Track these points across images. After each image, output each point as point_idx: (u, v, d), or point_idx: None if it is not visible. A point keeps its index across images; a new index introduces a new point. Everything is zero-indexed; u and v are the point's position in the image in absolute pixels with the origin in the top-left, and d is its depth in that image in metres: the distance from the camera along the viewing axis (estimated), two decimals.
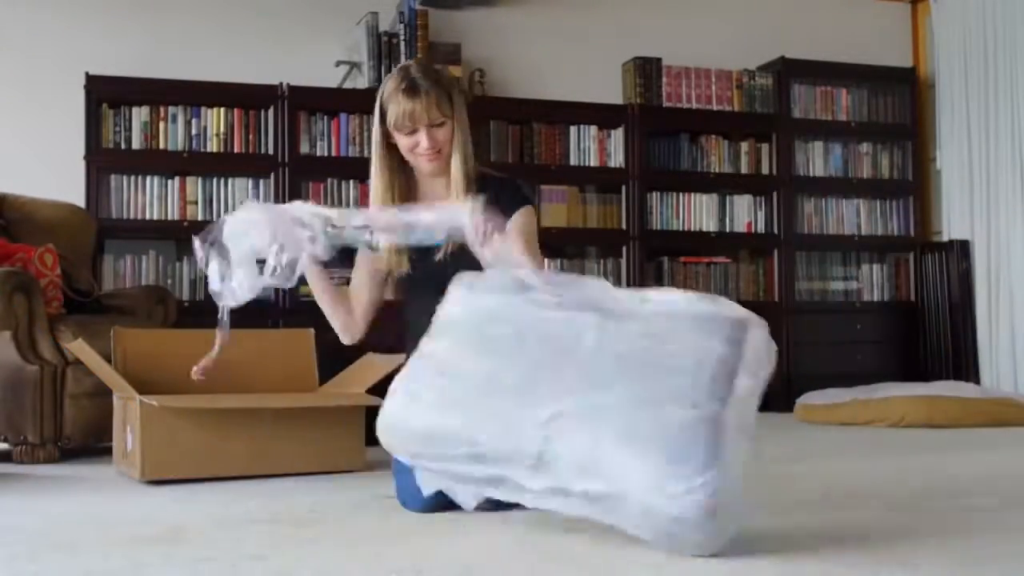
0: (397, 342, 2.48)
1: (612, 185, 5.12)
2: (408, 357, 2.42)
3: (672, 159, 5.25)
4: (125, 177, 4.52)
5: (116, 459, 2.96)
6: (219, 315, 2.19)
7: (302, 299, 4.55)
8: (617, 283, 5.03)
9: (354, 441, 2.93)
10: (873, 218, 5.58)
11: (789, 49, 5.46)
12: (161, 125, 4.57)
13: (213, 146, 4.62)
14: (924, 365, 5.41)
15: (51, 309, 3.49)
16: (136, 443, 2.72)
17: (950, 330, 5.35)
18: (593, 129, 5.12)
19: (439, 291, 2.13)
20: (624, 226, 5.08)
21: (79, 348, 2.93)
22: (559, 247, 4.99)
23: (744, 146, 5.36)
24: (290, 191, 4.62)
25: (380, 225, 2.23)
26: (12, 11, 4.63)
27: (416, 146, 2.36)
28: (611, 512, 1.70)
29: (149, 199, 4.54)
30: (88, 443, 3.34)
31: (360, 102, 4.80)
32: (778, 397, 5.15)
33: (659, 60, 5.27)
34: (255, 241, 2.13)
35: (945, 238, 5.53)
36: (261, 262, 2.14)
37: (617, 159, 5.12)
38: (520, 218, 2.37)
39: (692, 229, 5.23)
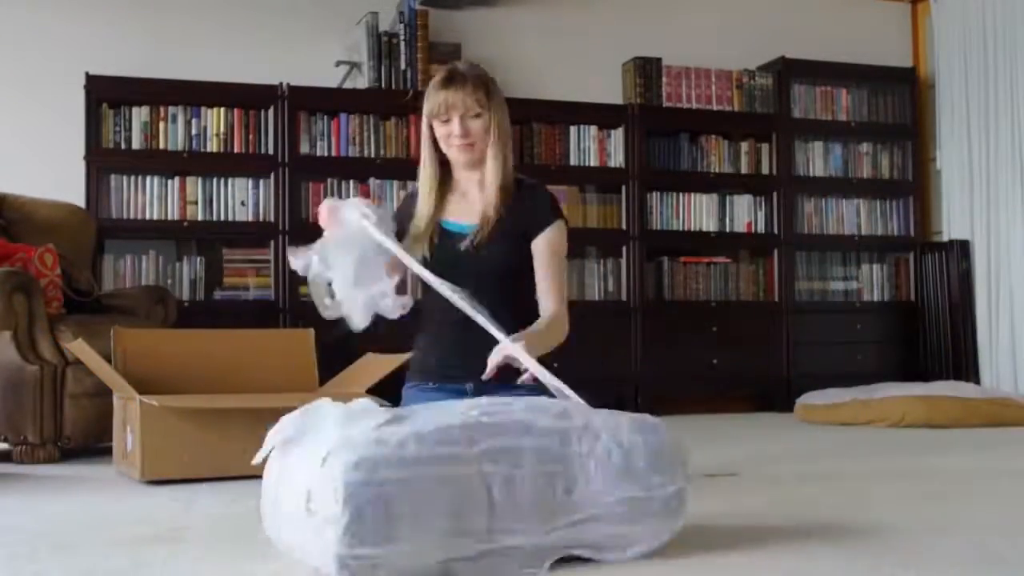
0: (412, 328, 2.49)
1: (612, 185, 5.12)
2: (422, 341, 2.48)
3: (672, 159, 5.25)
4: (125, 177, 4.52)
5: (116, 459, 2.96)
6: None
7: (302, 299, 4.56)
8: (617, 283, 5.05)
9: None
10: (873, 218, 5.58)
11: (789, 49, 5.46)
12: (161, 125, 4.57)
13: (213, 146, 4.62)
14: (924, 365, 5.41)
15: (51, 309, 3.49)
16: (136, 443, 2.72)
17: (950, 330, 5.35)
18: (593, 129, 5.12)
19: (460, 279, 2.18)
20: (624, 226, 5.08)
21: (79, 348, 2.93)
22: None
23: (744, 146, 5.36)
24: (290, 191, 4.62)
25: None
26: (12, 11, 4.63)
27: (450, 135, 2.42)
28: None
29: (149, 199, 4.54)
30: (88, 443, 3.34)
31: (360, 102, 4.81)
32: (778, 397, 5.17)
33: (659, 60, 5.27)
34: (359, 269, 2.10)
35: (945, 238, 5.53)
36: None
37: (617, 159, 5.12)
38: (552, 234, 2.45)
39: (692, 229, 5.23)
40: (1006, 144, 5.22)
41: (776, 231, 5.33)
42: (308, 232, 5.00)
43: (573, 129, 5.09)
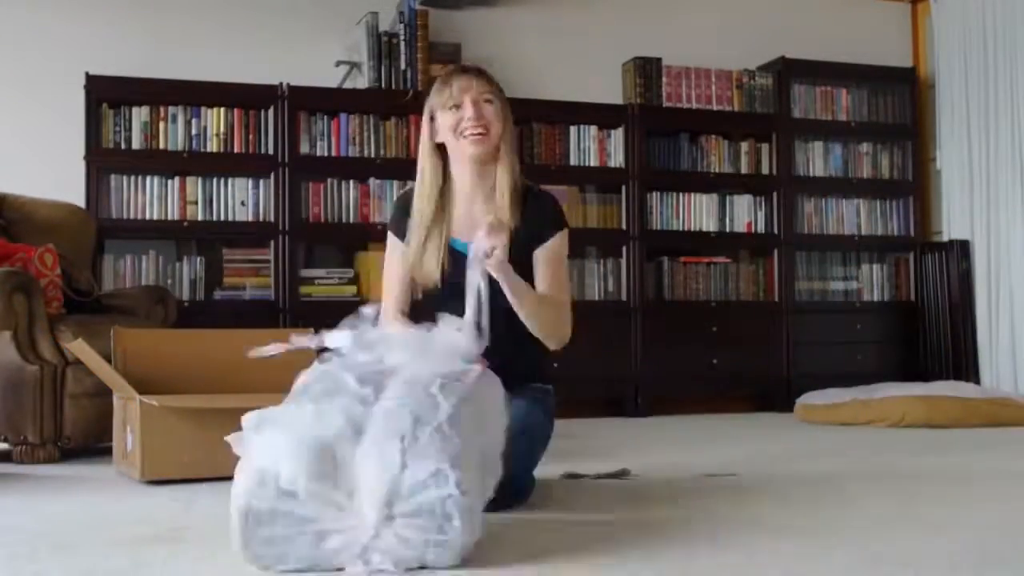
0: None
1: (612, 185, 5.12)
2: None
3: (672, 159, 5.25)
4: (125, 177, 4.52)
5: (116, 459, 2.96)
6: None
7: (303, 299, 4.56)
8: (617, 283, 5.05)
9: None
10: (873, 218, 5.58)
11: (789, 49, 5.46)
12: (161, 125, 4.57)
13: (213, 146, 4.62)
14: (924, 365, 5.41)
15: (51, 309, 3.49)
16: (136, 443, 2.72)
17: (950, 330, 5.35)
18: (593, 129, 5.12)
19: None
20: (624, 226, 5.08)
21: (79, 348, 2.93)
22: None
23: (744, 146, 5.36)
24: (290, 191, 4.62)
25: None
26: (12, 11, 4.63)
27: (461, 121, 2.29)
28: None
29: (149, 199, 4.54)
30: (88, 443, 3.34)
31: (360, 102, 4.81)
32: (778, 397, 5.17)
33: (659, 60, 5.27)
34: None
35: (945, 238, 5.53)
36: None
37: (617, 159, 5.13)
38: (555, 243, 2.37)
39: (692, 229, 5.23)
40: (1006, 144, 5.22)
41: (776, 231, 5.33)
42: (308, 232, 5.02)
43: (573, 129, 5.09)
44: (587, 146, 5.11)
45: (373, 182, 4.76)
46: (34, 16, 4.66)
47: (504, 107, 2.36)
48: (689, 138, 5.29)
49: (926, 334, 5.44)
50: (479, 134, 2.29)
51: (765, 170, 5.37)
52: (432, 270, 2.35)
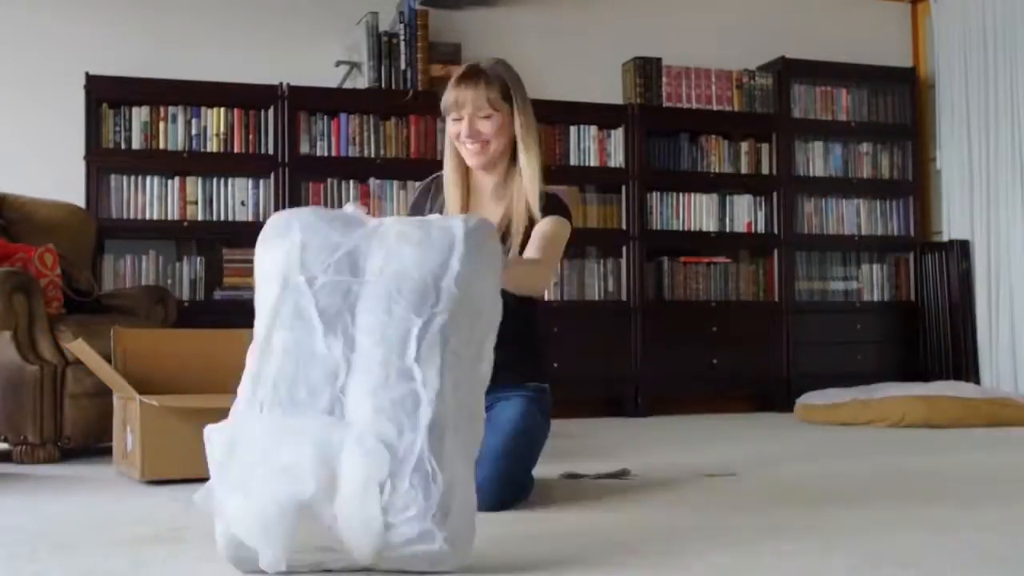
0: None
1: (612, 185, 5.13)
2: None
3: (672, 159, 5.25)
4: (125, 177, 4.52)
5: (116, 459, 2.96)
6: None
7: None
8: (617, 283, 5.05)
9: None
10: (873, 218, 5.58)
11: (789, 49, 5.46)
12: (161, 125, 4.57)
13: (213, 146, 4.62)
14: (924, 365, 5.41)
15: (51, 309, 3.49)
16: (136, 443, 2.72)
17: (950, 330, 5.35)
18: (593, 129, 5.12)
19: None
20: (624, 226, 5.08)
21: (79, 348, 2.93)
22: None
23: (744, 146, 5.36)
24: (290, 191, 4.62)
25: None
26: (12, 11, 4.64)
27: (459, 134, 2.38)
28: None
29: (149, 199, 4.54)
30: (88, 443, 3.34)
31: (360, 102, 4.81)
32: (778, 397, 5.17)
33: (659, 60, 5.27)
34: None
35: (945, 238, 5.53)
36: None
37: (617, 159, 5.13)
38: (550, 222, 2.36)
39: (692, 229, 5.23)
40: (1006, 144, 5.22)
41: (776, 231, 5.33)
42: None
43: (573, 129, 5.09)
44: (587, 146, 5.11)
45: (373, 182, 4.76)
46: (34, 16, 4.66)
47: (518, 112, 2.39)
48: (689, 138, 5.29)
49: (926, 334, 5.44)
50: (476, 149, 2.37)
51: (765, 170, 5.37)
52: None
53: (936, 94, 5.67)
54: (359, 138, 4.77)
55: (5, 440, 3.31)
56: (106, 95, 4.49)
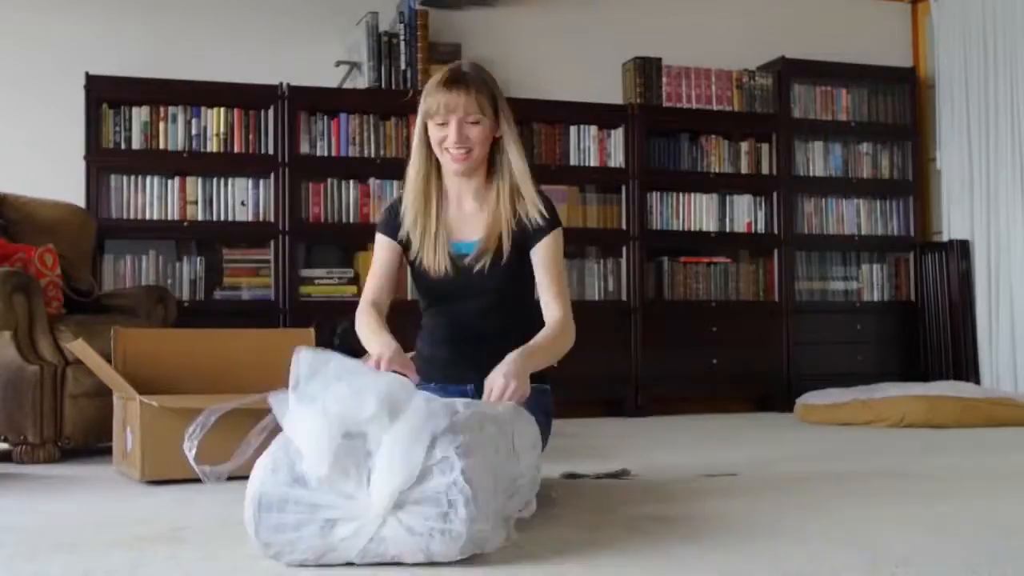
0: (409, 342, 2.48)
1: (612, 185, 5.12)
2: (425, 343, 2.50)
3: (672, 159, 5.25)
4: (125, 177, 4.52)
5: (116, 459, 2.96)
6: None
7: (302, 299, 4.56)
8: (617, 283, 5.05)
9: None
10: (873, 218, 5.58)
11: (789, 49, 5.46)
12: (161, 125, 4.57)
13: (213, 146, 4.62)
14: (924, 365, 5.41)
15: (51, 309, 3.49)
16: (136, 443, 2.72)
17: (950, 330, 5.35)
18: (593, 129, 5.12)
19: (473, 298, 2.25)
20: (624, 226, 5.08)
21: (79, 348, 2.93)
22: None
23: (744, 146, 5.36)
24: (290, 191, 4.62)
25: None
26: (12, 11, 4.63)
27: (444, 140, 2.33)
28: None
29: (149, 199, 4.54)
30: (88, 443, 3.34)
31: (360, 102, 4.81)
32: (778, 397, 5.17)
33: (659, 60, 5.27)
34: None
35: (945, 238, 5.53)
36: None
37: (617, 159, 5.13)
38: (551, 242, 2.39)
39: (692, 229, 5.23)
40: (1006, 144, 5.22)
41: (776, 231, 5.33)
42: (308, 232, 5.01)
43: (573, 129, 5.09)
44: (587, 146, 5.11)
45: (373, 182, 4.76)
46: (34, 16, 4.66)
47: (502, 118, 2.36)
48: (689, 138, 5.29)
49: (926, 334, 5.44)
50: (461, 155, 2.33)
51: (765, 170, 5.37)
52: (432, 266, 2.38)
53: (936, 94, 5.67)
54: (359, 138, 4.77)
55: (5, 440, 3.31)
56: (106, 95, 4.49)
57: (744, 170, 5.35)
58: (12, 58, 4.61)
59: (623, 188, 5.10)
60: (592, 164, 5.11)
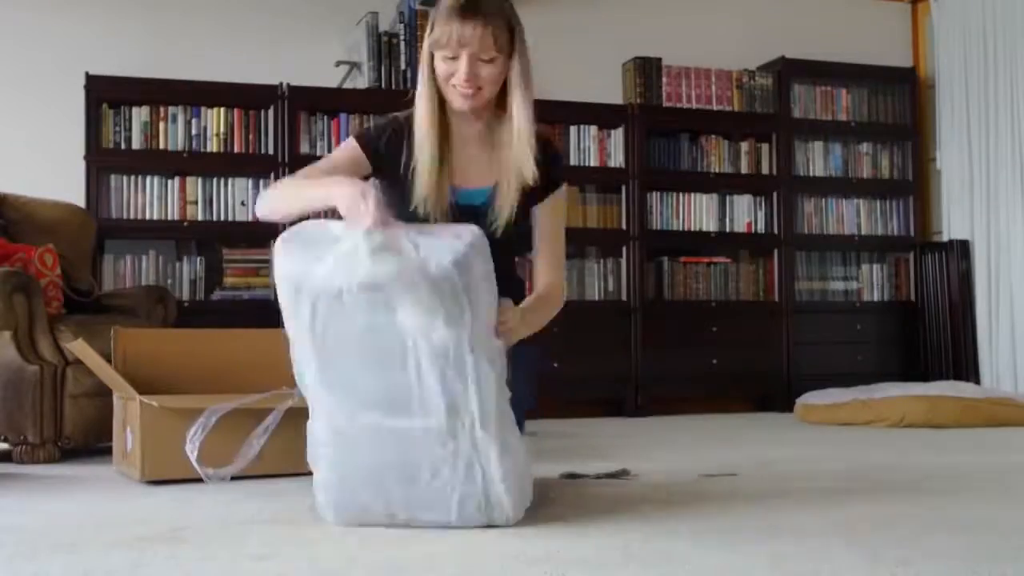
0: None
1: (612, 185, 5.13)
2: None
3: (672, 159, 5.25)
4: (125, 177, 4.52)
5: (116, 459, 2.96)
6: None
7: None
8: (617, 283, 5.05)
9: None
10: (873, 218, 5.58)
11: (789, 49, 5.46)
12: (161, 125, 4.57)
13: (213, 146, 4.62)
14: (924, 365, 5.41)
15: (51, 309, 3.49)
16: (136, 443, 2.72)
17: (950, 330, 5.35)
18: (593, 129, 5.12)
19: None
20: (624, 226, 5.08)
21: (79, 348, 2.93)
22: None
23: (744, 146, 5.36)
24: None
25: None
26: (12, 11, 4.64)
27: (452, 76, 2.11)
28: None
29: (149, 199, 4.54)
30: (88, 443, 3.34)
31: (360, 102, 4.81)
32: (778, 397, 5.17)
33: (659, 60, 5.27)
34: None
35: (945, 238, 5.53)
36: None
37: (617, 159, 5.13)
38: (558, 201, 2.26)
39: (692, 229, 5.23)
40: (1006, 144, 5.22)
41: (776, 231, 5.33)
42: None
43: (573, 129, 5.09)
44: (587, 146, 5.11)
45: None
46: (34, 16, 4.66)
47: (518, 57, 2.15)
48: (689, 138, 5.29)
49: (926, 334, 5.44)
50: (470, 92, 2.12)
51: (765, 170, 5.37)
52: (433, 211, 2.19)
53: (936, 94, 5.68)
54: None
55: (5, 440, 3.31)
56: (106, 95, 4.49)
57: (744, 170, 5.35)
58: (12, 58, 4.62)
59: (623, 188, 5.10)
60: (592, 164, 5.11)
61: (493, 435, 1.90)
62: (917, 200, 5.63)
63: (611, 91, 5.31)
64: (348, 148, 2.29)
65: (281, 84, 4.66)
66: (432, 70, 2.15)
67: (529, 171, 2.16)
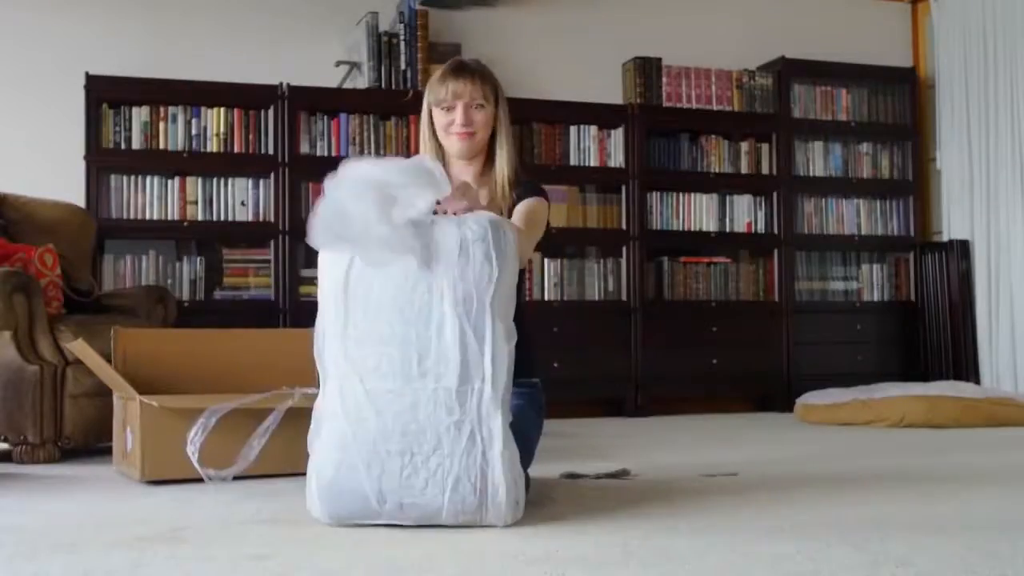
0: None
1: (612, 185, 5.12)
2: None
3: (672, 159, 5.25)
4: (125, 177, 4.52)
5: (116, 459, 2.96)
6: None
7: (303, 299, 4.56)
8: (617, 283, 5.05)
9: None
10: (873, 218, 5.58)
11: (789, 49, 5.46)
12: (161, 125, 4.57)
13: (213, 146, 4.62)
14: (924, 365, 5.41)
15: (51, 309, 3.49)
16: (136, 443, 2.72)
17: (950, 330, 5.35)
18: (593, 129, 5.12)
19: None
20: (624, 226, 5.08)
21: (79, 348, 2.93)
22: (559, 247, 4.99)
23: (744, 146, 5.36)
24: (290, 191, 4.62)
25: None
26: (12, 11, 4.64)
27: (451, 124, 2.46)
28: None
29: (149, 199, 4.54)
30: (88, 443, 3.34)
31: (360, 102, 4.81)
32: (778, 397, 5.17)
33: (659, 60, 5.27)
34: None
35: (945, 238, 5.53)
36: None
37: (617, 159, 5.13)
38: (528, 202, 2.45)
39: (692, 229, 5.23)
40: (1006, 144, 5.22)
41: (776, 231, 5.33)
42: (308, 232, 4.98)
43: (573, 129, 5.09)
44: (587, 146, 5.11)
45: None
46: (34, 16, 4.66)
47: (500, 109, 2.51)
48: (689, 138, 5.29)
49: (926, 334, 5.44)
50: (466, 135, 2.46)
51: (765, 170, 5.37)
52: None
53: (936, 94, 5.67)
54: (359, 138, 4.77)
55: (5, 440, 3.31)
56: (106, 95, 4.49)
57: (744, 170, 5.35)
58: (12, 58, 4.61)
59: (623, 188, 5.10)
60: (592, 164, 5.11)
61: (499, 403, 1.95)
62: (917, 200, 5.63)
63: (611, 91, 5.31)
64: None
65: (281, 84, 4.66)
66: (432, 126, 2.52)
67: (508, 193, 2.48)
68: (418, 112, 2.57)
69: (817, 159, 5.51)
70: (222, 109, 4.63)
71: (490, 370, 1.95)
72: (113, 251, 4.49)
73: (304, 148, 4.70)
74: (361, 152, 4.76)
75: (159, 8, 4.81)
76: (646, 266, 5.10)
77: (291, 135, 4.65)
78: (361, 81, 4.86)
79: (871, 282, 5.57)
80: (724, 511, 2.17)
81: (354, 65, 4.91)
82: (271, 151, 4.65)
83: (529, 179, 2.57)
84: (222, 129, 4.63)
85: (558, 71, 5.28)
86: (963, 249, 5.38)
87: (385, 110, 4.81)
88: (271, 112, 4.66)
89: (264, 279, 4.61)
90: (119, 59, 4.60)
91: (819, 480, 2.67)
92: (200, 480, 2.59)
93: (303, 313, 4.46)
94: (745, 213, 5.33)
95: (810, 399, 4.66)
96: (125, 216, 4.49)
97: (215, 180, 4.62)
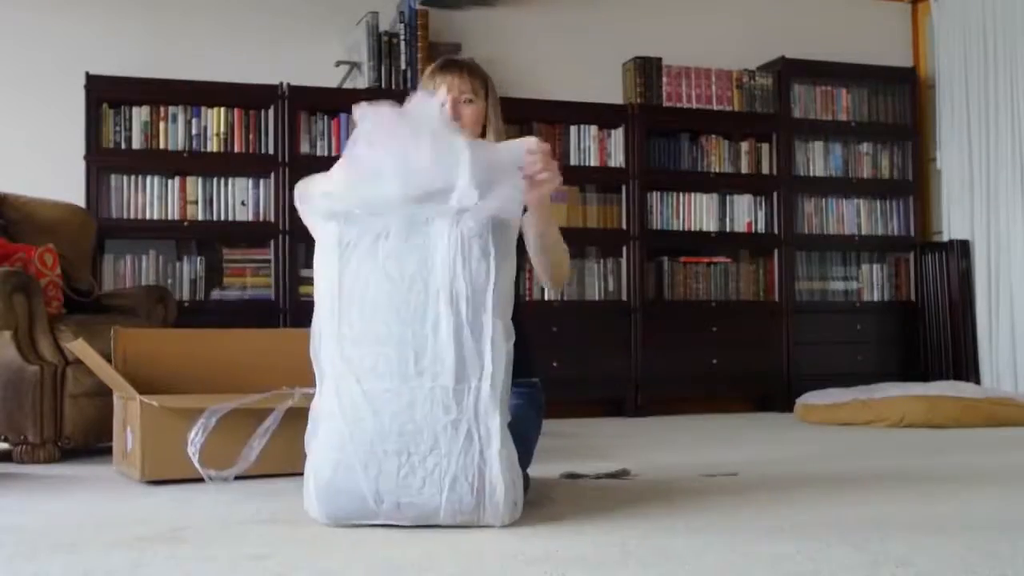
0: None
1: (612, 185, 5.13)
2: None
3: (672, 159, 5.25)
4: (125, 177, 4.52)
5: (116, 459, 2.96)
6: None
7: (303, 299, 4.56)
8: (617, 283, 5.05)
9: None
10: (873, 218, 5.58)
11: (789, 49, 5.46)
12: (161, 125, 4.57)
13: (213, 146, 4.62)
14: (924, 365, 5.41)
15: (51, 309, 3.49)
16: (136, 443, 2.72)
17: (950, 330, 5.35)
18: (593, 129, 5.12)
19: None
20: (624, 226, 5.08)
21: (79, 348, 2.93)
22: None
23: (744, 146, 5.36)
24: (290, 191, 4.61)
25: None
26: (12, 11, 4.64)
27: None
28: None
29: (149, 199, 4.54)
30: (88, 443, 3.34)
31: (360, 102, 4.79)
32: (778, 397, 5.17)
33: (659, 60, 5.27)
34: None
35: (945, 238, 5.53)
36: None
37: (617, 159, 5.13)
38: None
39: (692, 229, 5.23)
40: (1006, 144, 5.22)
41: (776, 231, 5.33)
42: (308, 232, 4.99)
43: (573, 129, 5.09)
44: (587, 146, 5.11)
45: None
46: (34, 16, 4.66)
47: (491, 104, 2.50)
48: (689, 138, 5.29)
49: (926, 334, 5.44)
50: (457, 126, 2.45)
51: (765, 170, 5.37)
52: None
53: (936, 94, 5.68)
54: None
55: (5, 440, 3.31)
56: (106, 95, 4.49)
57: (744, 170, 5.35)
58: (12, 58, 4.62)
59: (623, 188, 5.10)
60: (592, 164, 5.11)
61: (497, 402, 1.93)
62: (917, 200, 5.63)
63: (611, 91, 5.31)
64: None
65: (281, 84, 4.66)
66: None
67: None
68: None
69: (817, 159, 5.51)
70: (222, 109, 4.63)
71: (488, 368, 1.93)
72: (113, 251, 4.49)
73: (304, 148, 4.70)
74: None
75: (159, 8, 4.81)
76: (646, 266, 5.10)
77: (291, 135, 4.65)
78: (361, 81, 4.86)
79: (871, 282, 5.57)
80: (724, 511, 2.17)
81: (354, 65, 4.91)
82: (271, 151, 4.65)
83: None
84: (222, 129, 4.63)
85: (558, 71, 5.28)
86: (963, 249, 5.39)
87: None
88: (271, 112, 4.66)
89: (264, 279, 4.61)
90: (119, 59, 4.60)
91: (819, 480, 2.67)
92: (200, 480, 2.59)
93: (303, 313, 4.44)
94: (745, 213, 5.33)
95: (810, 399, 4.66)
96: (125, 216, 4.49)
97: (215, 180, 4.62)
